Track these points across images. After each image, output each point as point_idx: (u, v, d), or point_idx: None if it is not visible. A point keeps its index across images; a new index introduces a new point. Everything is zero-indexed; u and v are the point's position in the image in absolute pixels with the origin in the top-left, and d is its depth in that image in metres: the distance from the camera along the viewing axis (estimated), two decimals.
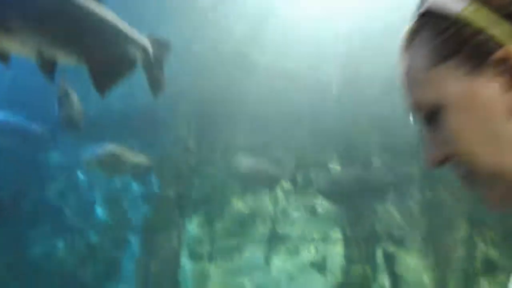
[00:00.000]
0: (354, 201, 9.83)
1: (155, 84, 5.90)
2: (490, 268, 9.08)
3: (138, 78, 5.83)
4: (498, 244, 9.06)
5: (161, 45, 5.88)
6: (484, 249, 9.23)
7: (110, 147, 9.01)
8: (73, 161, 10.01)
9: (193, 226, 10.40)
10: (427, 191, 9.46)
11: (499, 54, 1.22)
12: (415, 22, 1.35)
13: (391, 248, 9.58)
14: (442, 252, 9.33)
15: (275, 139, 10.22)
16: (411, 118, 1.39)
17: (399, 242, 9.58)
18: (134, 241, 10.12)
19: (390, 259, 9.54)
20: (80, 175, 10.49)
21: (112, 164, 8.90)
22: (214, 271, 10.30)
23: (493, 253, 9.16)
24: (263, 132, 10.27)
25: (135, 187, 10.32)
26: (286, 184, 10.37)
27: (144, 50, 5.64)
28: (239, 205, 10.50)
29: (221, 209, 10.43)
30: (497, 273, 8.99)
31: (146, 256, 9.87)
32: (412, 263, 9.51)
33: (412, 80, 1.35)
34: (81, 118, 7.72)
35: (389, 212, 9.75)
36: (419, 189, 9.55)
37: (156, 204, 10.16)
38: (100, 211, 10.29)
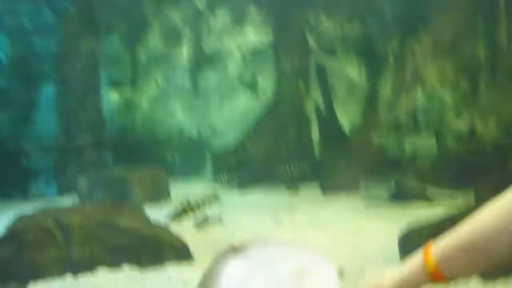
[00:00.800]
0: (284, 7, 8.87)
1: None
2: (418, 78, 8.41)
3: None
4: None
5: None
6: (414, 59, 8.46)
7: None
8: None
9: (110, 47, 9.42)
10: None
11: None
12: None
13: (324, 60, 8.83)
14: (375, 62, 8.64)
15: None
16: None
17: (332, 53, 8.83)
18: (48, 78, 9.08)
19: (322, 72, 8.83)
20: None
21: None
22: (139, 99, 9.51)
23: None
24: None
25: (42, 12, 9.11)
26: None
27: None
28: (160, 21, 9.48)
29: (140, 26, 9.44)
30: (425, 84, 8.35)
31: (63, 89, 8.93)
32: (345, 75, 8.83)
33: None
34: None
35: (321, 22, 8.89)
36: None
37: (66, 26, 9.04)
38: (4, 44, 9.09)
